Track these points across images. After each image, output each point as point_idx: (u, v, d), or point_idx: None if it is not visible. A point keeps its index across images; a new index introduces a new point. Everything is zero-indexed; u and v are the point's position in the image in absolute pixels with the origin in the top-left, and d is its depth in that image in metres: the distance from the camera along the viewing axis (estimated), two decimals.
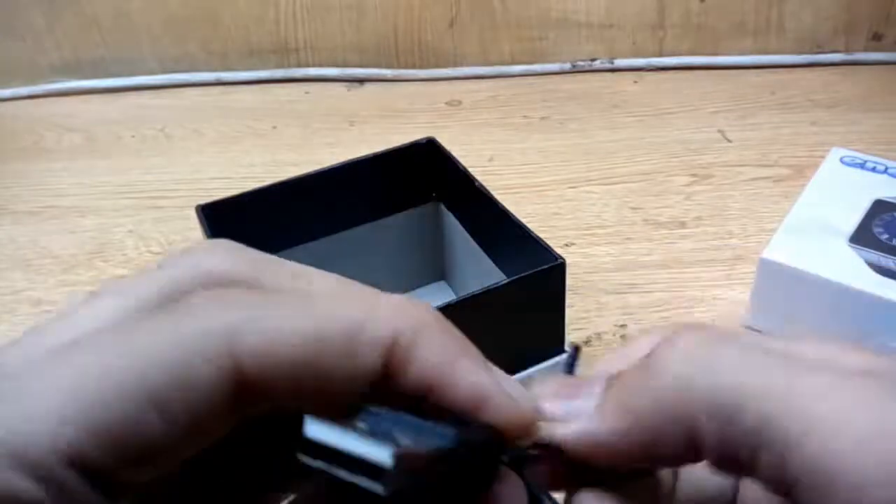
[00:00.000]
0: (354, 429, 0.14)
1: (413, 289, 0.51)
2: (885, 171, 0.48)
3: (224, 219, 0.41)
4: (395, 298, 0.17)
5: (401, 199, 0.48)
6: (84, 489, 0.14)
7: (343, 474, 0.14)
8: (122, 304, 0.16)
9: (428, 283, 0.52)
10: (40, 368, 0.14)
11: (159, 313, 0.15)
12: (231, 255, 0.17)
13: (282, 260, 0.18)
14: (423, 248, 0.50)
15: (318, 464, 0.14)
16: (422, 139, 0.46)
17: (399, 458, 0.13)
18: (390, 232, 0.48)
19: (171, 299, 0.16)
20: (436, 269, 0.51)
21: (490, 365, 0.17)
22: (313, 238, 0.46)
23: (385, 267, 0.49)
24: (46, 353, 0.15)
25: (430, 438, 0.15)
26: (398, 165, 0.46)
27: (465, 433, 0.16)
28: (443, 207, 0.48)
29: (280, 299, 0.16)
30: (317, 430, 0.14)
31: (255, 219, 0.43)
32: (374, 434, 0.14)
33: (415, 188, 0.47)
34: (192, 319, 0.15)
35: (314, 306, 0.16)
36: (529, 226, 0.38)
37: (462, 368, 0.16)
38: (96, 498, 0.14)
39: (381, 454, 0.13)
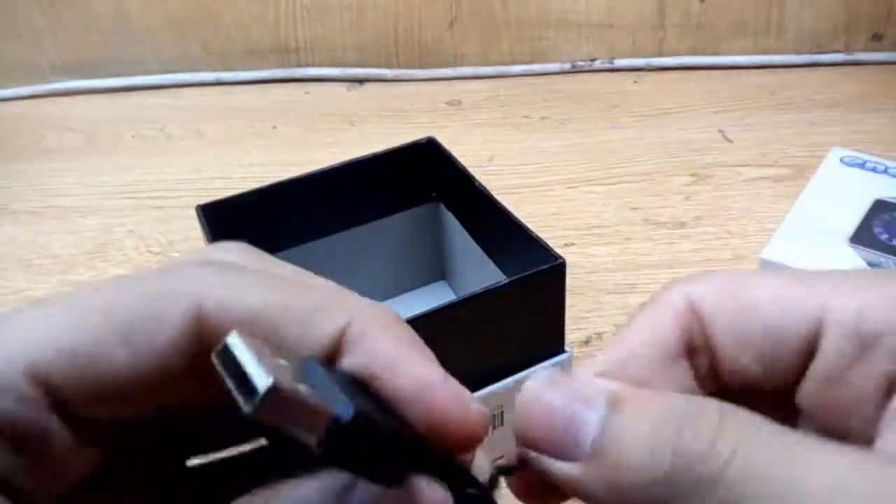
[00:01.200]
0: (269, 361, 0.14)
1: (413, 289, 0.51)
2: (885, 171, 0.48)
3: (224, 219, 0.41)
4: (365, 300, 0.18)
5: (401, 199, 0.48)
6: (49, 414, 0.15)
7: (229, 382, 0.14)
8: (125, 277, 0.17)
9: (428, 283, 0.52)
10: (20, 311, 0.15)
11: (144, 274, 0.16)
12: (240, 252, 0.18)
13: (286, 262, 0.19)
14: (423, 248, 0.50)
15: (217, 365, 0.14)
16: (422, 139, 0.46)
17: (273, 389, 0.13)
18: (390, 232, 0.48)
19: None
20: (436, 269, 0.51)
21: (447, 374, 0.17)
22: (314, 238, 0.46)
23: (385, 267, 0.49)
24: (29, 303, 0.16)
25: (328, 397, 0.14)
26: (398, 165, 0.46)
27: (370, 413, 0.15)
28: (443, 207, 0.48)
29: (259, 276, 0.17)
30: (235, 341, 0.14)
31: (255, 219, 0.43)
32: (287, 373, 0.14)
33: (415, 188, 0.47)
34: (170, 275, 0.16)
35: (289, 287, 0.17)
36: (529, 226, 0.38)
37: (410, 361, 0.16)
38: (61, 425, 0.15)
39: (262, 379, 0.13)
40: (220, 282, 0.16)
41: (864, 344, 0.16)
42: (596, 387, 0.16)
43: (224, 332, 0.14)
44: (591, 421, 0.15)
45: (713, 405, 0.14)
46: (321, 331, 0.16)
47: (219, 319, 0.16)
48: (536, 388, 0.16)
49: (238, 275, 0.17)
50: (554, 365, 0.39)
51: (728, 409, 0.14)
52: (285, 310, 0.16)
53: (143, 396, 0.16)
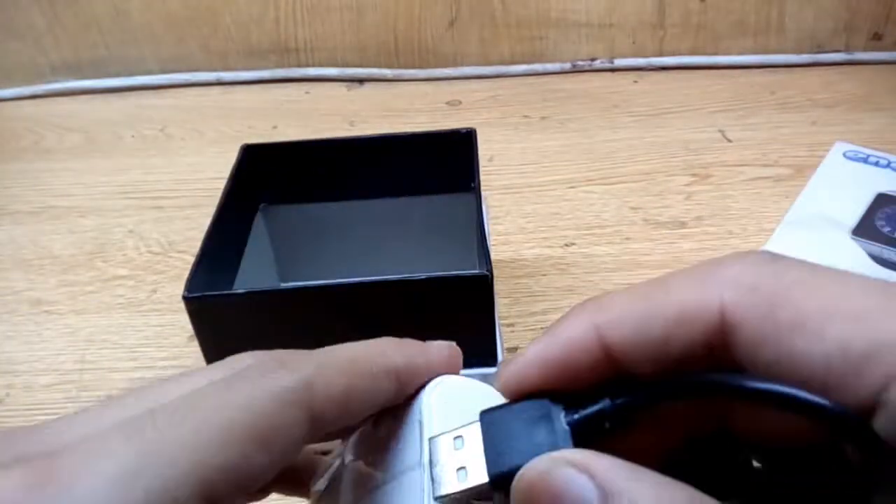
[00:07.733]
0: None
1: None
2: (888, 165, 0.48)
3: (266, 161, 0.43)
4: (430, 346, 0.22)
5: (444, 181, 0.47)
6: None
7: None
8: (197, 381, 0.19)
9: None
10: (170, 425, 0.17)
11: (239, 380, 0.18)
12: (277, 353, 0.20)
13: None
14: (455, 234, 0.48)
15: None
16: (463, 129, 0.45)
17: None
18: (427, 210, 0.47)
19: (237, 374, 0.19)
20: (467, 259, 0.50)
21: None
22: (353, 198, 0.47)
23: (416, 244, 0.48)
24: (169, 412, 0.17)
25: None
26: (443, 149, 0.45)
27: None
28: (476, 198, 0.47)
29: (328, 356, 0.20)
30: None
31: (295, 167, 0.45)
32: None
33: (458, 175, 0.46)
34: (272, 378, 0.18)
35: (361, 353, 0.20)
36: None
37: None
38: None
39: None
40: (317, 379, 0.19)
41: None
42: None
43: (327, 420, 0.19)
44: None
45: None
46: (386, 386, 0.21)
47: (324, 412, 0.19)
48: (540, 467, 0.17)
49: (324, 357, 0.20)
50: (478, 375, 0.37)
51: None
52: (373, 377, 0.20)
53: (267, 480, 0.18)
